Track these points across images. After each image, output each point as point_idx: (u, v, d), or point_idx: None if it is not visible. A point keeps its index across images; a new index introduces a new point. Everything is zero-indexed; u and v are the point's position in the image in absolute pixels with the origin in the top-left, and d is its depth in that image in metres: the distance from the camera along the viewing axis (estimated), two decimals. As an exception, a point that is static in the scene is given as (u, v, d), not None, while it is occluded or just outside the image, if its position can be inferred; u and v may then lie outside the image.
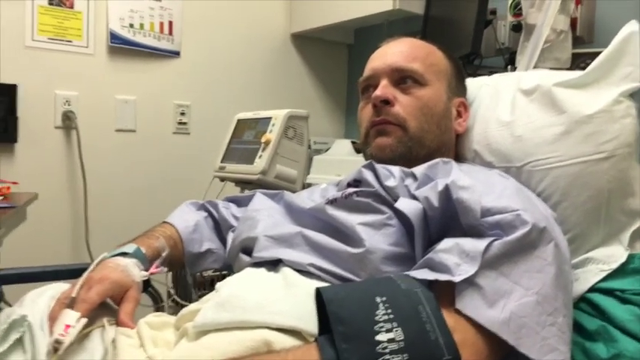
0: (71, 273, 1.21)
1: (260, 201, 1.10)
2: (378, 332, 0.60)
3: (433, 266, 0.73)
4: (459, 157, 1.10)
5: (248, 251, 0.94)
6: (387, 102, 1.02)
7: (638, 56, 0.93)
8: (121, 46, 2.34)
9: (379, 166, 0.93)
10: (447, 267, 0.71)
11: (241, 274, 0.88)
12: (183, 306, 0.85)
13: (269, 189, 1.18)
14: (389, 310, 0.63)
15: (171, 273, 1.78)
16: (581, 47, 1.77)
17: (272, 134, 1.70)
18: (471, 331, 0.67)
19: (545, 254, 0.75)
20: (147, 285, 0.94)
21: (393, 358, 0.59)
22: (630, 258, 0.90)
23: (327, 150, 2.44)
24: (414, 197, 0.84)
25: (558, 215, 0.91)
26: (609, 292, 0.87)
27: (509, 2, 1.86)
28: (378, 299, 0.64)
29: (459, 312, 0.68)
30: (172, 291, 1.76)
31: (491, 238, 0.73)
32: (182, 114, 2.53)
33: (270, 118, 1.76)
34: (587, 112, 0.93)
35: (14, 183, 1.66)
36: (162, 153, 2.47)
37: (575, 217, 0.93)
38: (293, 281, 0.80)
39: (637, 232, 0.93)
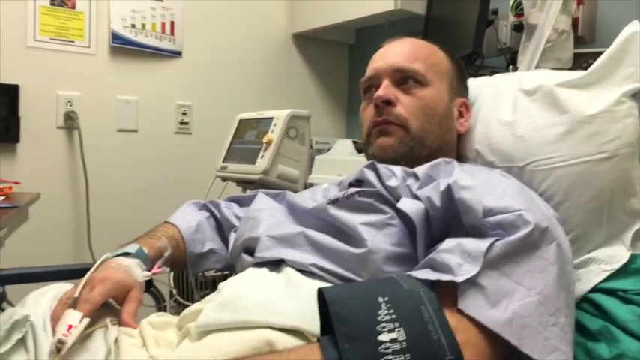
0: (73, 273, 1.21)
1: (262, 201, 1.10)
2: (380, 332, 0.60)
3: (435, 266, 0.73)
4: (461, 157, 1.10)
5: (250, 251, 0.94)
6: (388, 102, 1.02)
7: (640, 56, 0.93)
8: (122, 47, 2.35)
9: (381, 166, 0.94)
10: (449, 267, 0.71)
11: (243, 274, 0.88)
12: (185, 306, 0.85)
13: (271, 189, 1.18)
14: (391, 310, 0.63)
15: (173, 273, 1.79)
16: (583, 47, 1.77)
17: (274, 134, 1.70)
18: (474, 331, 0.67)
19: (547, 254, 0.75)
20: (149, 285, 0.95)
21: (395, 358, 0.58)
22: (632, 258, 0.90)
23: (328, 150, 2.44)
24: (416, 197, 0.84)
25: (560, 215, 0.91)
26: (611, 292, 0.87)
27: (511, 2, 1.86)
28: (381, 299, 0.64)
29: (461, 312, 0.68)
30: (174, 291, 1.77)
31: (494, 238, 0.73)
32: (184, 114, 2.53)
33: (271, 118, 1.76)
34: (589, 112, 0.93)
35: (16, 183, 1.66)
36: (163, 153, 2.47)
37: (577, 217, 0.93)
38: (295, 281, 0.80)
39: (639, 232, 0.93)
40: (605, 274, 0.89)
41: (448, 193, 0.79)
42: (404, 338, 0.60)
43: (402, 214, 0.83)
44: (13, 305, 0.95)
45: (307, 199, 1.02)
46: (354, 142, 2.31)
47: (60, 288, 0.87)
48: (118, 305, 0.86)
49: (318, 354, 0.62)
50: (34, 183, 2.02)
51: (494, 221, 0.75)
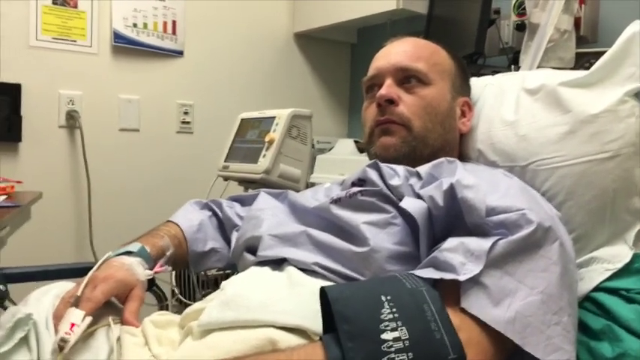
0: (75, 272, 1.21)
1: (264, 200, 1.10)
2: (383, 331, 0.60)
3: (438, 265, 0.73)
4: (463, 157, 1.10)
5: (252, 250, 0.94)
6: (391, 101, 1.02)
7: (643, 56, 0.93)
8: (124, 46, 2.35)
9: (384, 166, 0.94)
10: (452, 266, 0.70)
11: (246, 273, 0.88)
12: (187, 305, 0.85)
13: (273, 188, 1.18)
14: (394, 309, 0.63)
15: (174, 272, 1.79)
16: (585, 47, 1.77)
17: (276, 133, 1.70)
18: (476, 330, 0.67)
19: (550, 253, 0.75)
20: (151, 284, 0.95)
21: (398, 356, 0.58)
22: (635, 257, 0.90)
23: (330, 149, 2.44)
24: (419, 196, 0.84)
25: (563, 215, 0.91)
26: (614, 292, 0.87)
27: (513, 2, 1.86)
28: (383, 298, 0.64)
29: (464, 311, 0.68)
30: (176, 290, 1.77)
31: (496, 237, 0.73)
32: (185, 113, 2.53)
33: (273, 117, 1.76)
34: (591, 112, 0.93)
35: (18, 182, 1.66)
36: (165, 152, 2.48)
37: (580, 216, 0.92)
38: (297, 280, 0.80)
39: (642, 231, 0.93)
40: (608, 274, 0.89)
41: (451, 192, 0.79)
42: (407, 337, 0.60)
43: (404, 213, 0.83)
44: (15, 304, 0.95)
45: (309, 199, 1.02)
46: (356, 142, 2.31)
47: (62, 287, 0.87)
48: (120, 304, 0.86)
49: (320, 353, 0.62)
50: (36, 182, 2.03)
51: (497, 220, 0.75)
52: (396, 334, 0.60)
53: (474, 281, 0.69)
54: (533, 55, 1.67)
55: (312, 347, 0.64)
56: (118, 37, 2.32)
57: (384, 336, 0.60)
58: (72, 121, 2.24)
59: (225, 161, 1.85)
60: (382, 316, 0.62)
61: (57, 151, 2.24)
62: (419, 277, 0.70)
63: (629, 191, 0.92)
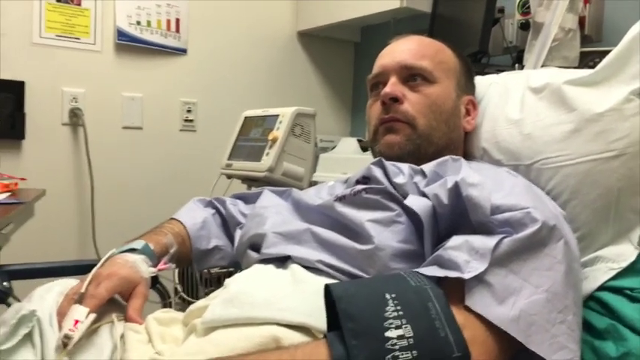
0: (78, 269, 1.21)
1: (268, 198, 1.10)
2: (387, 329, 0.60)
3: (442, 263, 0.72)
4: (468, 155, 1.09)
5: (256, 248, 0.94)
6: (395, 99, 1.02)
7: (648, 55, 0.93)
8: (128, 44, 2.35)
9: (388, 163, 0.93)
10: (456, 264, 0.70)
11: (250, 270, 0.88)
12: (190, 303, 0.85)
13: (276, 186, 1.18)
14: (398, 307, 0.62)
15: (177, 270, 1.79)
16: (590, 46, 1.77)
17: (279, 132, 1.70)
18: (481, 328, 0.66)
19: (554, 252, 0.75)
20: (155, 281, 0.95)
21: (402, 354, 0.58)
22: (640, 256, 0.89)
23: (333, 148, 2.44)
24: (424, 194, 0.84)
25: (567, 213, 0.91)
26: (619, 291, 0.87)
27: (517, 1, 1.86)
28: (388, 296, 0.64)
29: (468, 309, 0.67)
30: (179, 287, 1.77)
31: (501, 236, 0.73)
32: (188, 111, 2.53)
33: (277, 115, 1.76)
34: (597, 110, 0.92)
35: (22, 179, 1.66)
36: (168, 150, 2.48)
37: (585, 215, 0.92)
38: (301, 278, 0.80)
39: (647, 230, 0.93)
40: (613, 273, 0.88)
41: (456, 190, 0.79)
42: (411, 335, 0.60)
43: (409, 211, 0.83)
44: (19, 300, 0.95)
45: (313, 197, 1.02)
46: (359, 141, 2.31)
47: (66, 284, 0.87)
48: (124, 301, 0.86)
49: (325, 350, 0.62)
50: (39, 179, 2.03)
51: (502, 219, 0.75)
52: (400, 331, 0.60)
53: (479, 279, 0.69)
54: (537, 54, 1.67)
55: (316, 345, 0.64)
56: (121, 34, 2.33)
57: (388, 334, 0.60)
58: (75, 118, 2.25)
59: (228, 159, 1.85)
60: (386, 314, 0.62)
61: (60, 148, 2.24)
62: (423, 275, 0.70)
63: (634, 190, 0.91)
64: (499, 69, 1.60)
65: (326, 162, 2.19)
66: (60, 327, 0.76)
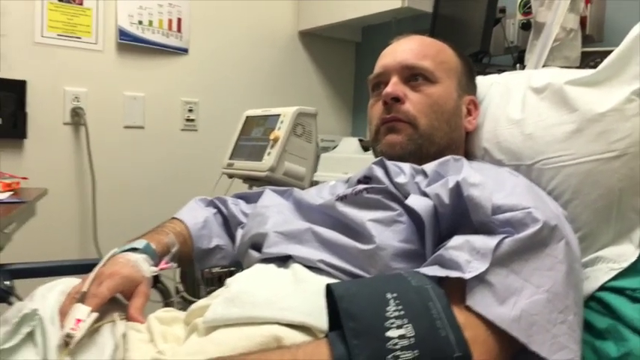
0: (80, 268, 1.22)
1: (269, 198, 1.10)
2: (388, 328, 0.60)
3: (443, 263, 0.72)
4: (469, 155, 1.09)
5: (258, 247, 0.94)
6: (397, 99, 1.02)
7: (650, 55, 0.93)
8: (129, 43, 2.35)
9: (390, 163, 0.93)
10: (457, 264, 0.70)
11: (251, 270, 0.88)
12: (191, 302, 0.86)
13: (277, 186, 1.18)
14: (399, 307, 0.62)
15: (179, 269, 1.79)
16: (591, 46, 1.77)
17: (280, 131, 1.70)
18: (482, 328, 0.66)
19: (556, 252, 0.75)
20: (156, 280, 0.95)
21: (403, 354, 0.58)
22: (641, 257, 0.89)
23: (334, 148, 2.44)
24: (425, 194, 0.84)
25: (569, 214, 0.91)
26: (619, 291, 0.87)
27: (519, 1, 1.86)
28: (389, 295, 0.64)
29: (469, 309, 0.67)
30: (180, 287, 1.77)
31: (502, 236, 0.73)
32: (190, 111, 2.53)
33: (278, 115, 1.76)
34: (598, 111, 0.92)
35: (24, 178, 1.67)
36: (170, 149, 2.48)
37: (586, 215, 0.92)
38: (303, 277, 0.80)
39: (648, 230, 0.93)
40: (614, 273, 0.88)
41: (457, 190, 0.79)
42: (412, 334, 0.60)
43: (410, 211, 0.83)
44: (21, 299, 0.95)
45: (314, 196, 1.02)
46: (360, 140, 2.31)
47: (68, 283, 0.88)
48: (125, 300, 0.87)
49: (326, 350, 0.62)
50: (41, 178, 2.03)
51: (503, 219, 0.75)
52: (401, 331, 0.60)
53: (480, 279, 0.69)
54: (538, 54, 1.67)
55: (317, 344, 0.64)
56: (123, 34, 2.33)
57: (389, 333, 0.60)
58: (77, 117, 2.25)
59: (229, 159, 1.86)
60: (388, 314, 0.62)
61: (62, 147, 2.25)
62: (424, 274, 0.70)
63: (636, 190, 0.91)
64: (500, 69, 1.60)
65: (327, 162, 2.19)
66: (62, 326, 0.76)
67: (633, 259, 0.89)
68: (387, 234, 0.82)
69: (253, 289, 0.77)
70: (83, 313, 0.77)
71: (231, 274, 1.08)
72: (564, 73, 1.03)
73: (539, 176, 0.97)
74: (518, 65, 1.85)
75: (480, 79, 1.18)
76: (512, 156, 1.02)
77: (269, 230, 0.92)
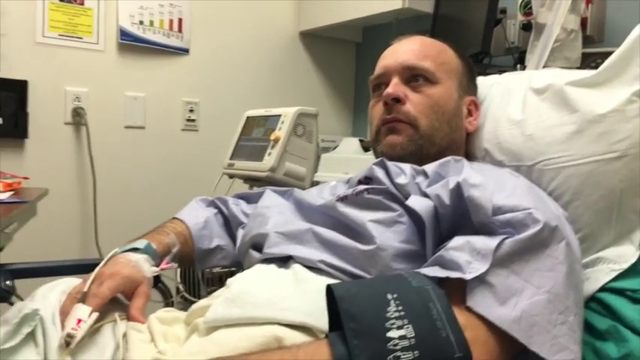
0: (81, 268, 1.22)
1: (270, 198, 1.10)
2: (389, 329, 0.60)
3: (444, 264, 0.72)
4: (470, 156, 1.09)
5: (258, 247, 0.94)
6: (398, 100, 1.02)
7: (651, 56, 0.93)
8: (130, 43, 2.35)
9: (390, 164, 0.93)
10: (458, 265, 0.70)
11: (251, 270, 0.88)
12: (191, 302, 0.86)
13: (278, 186, 1.18)
14: (400, 307, 0.62)
15: (179, 269, 1.79)
16: (592, 47, 1.77)
17: (281, 132, 1.71)
18: (482, 328, 0.67)
19: (556, 253, 0.75)
20: (157, 280, 0.95)
21: (404, 354, 0.58)
22: (641, 258, 0.89)
23: (334, 148, 2.44)
24: (425, 195, 0.84)
25: (569, 214, 0.91)
26: (620, 292, 0.87)
27: (520, 1, 1.86)
28: (390, 296, 0.64)
29: (470, 310, 0.67)
30: (181, 287, 1.77)
31: (503, 236, 0.73)
32: (191, 111, 2.53)
33: (279, 115, 1.76)
34: (599, 112, 0.92)
35: (25, 178, 1.67)
36: (171, 150, 2.48)
37: (587, 216, 0.92)
38: (303, 278, 0.80)
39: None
40: (614, 274, 0.88)
41: (457, 191, 0.79)
42: (412, 335, 0.60)
43: (411, 212, 0.83)
44: (22, 299, 0.95)
45: (315, 197, 1.02)
46: (361, 141, 2.31)
47: (69, 283, 0.88)
48: (126, 300, 0.87)
49: (326, 350, 0.62)
50: (42, 178, 2.03)
51: (504, 219, 0.75)
52: (402, 332, 0.60)
53: (480, 280, 0.69)
54: (539, 54, 1.67)
55: (317, 345, 0.64)
56: (124, 34, 2.33)
57: (390, 334, 0.60)
58: (78, 117, 2.25)
59: (230, 159, 1.86)
60: (388, 314, 0.62)
61: (63, 147, 2.25)
62: (425, 275, 0.70)
63: (636, 191, 0.91)
64: (501, 70, 1.60)
65: (328, 162, 2.19)
66: (63, 326, 0.76)
67: (634, 260, 0.89)
68: (388, 235, 0.82)
69: (254, 289, 0.77)
70: (84, 313, 0.77)
71: (231, 274, 1.08)
72: (565, 74, 1.03)
73: (539, 177, 0.97)
74: (518, 66, 1.85)
75: (481, 80, 1.18)
76: (513, 157, 1.02)
77: (270, 230, 0.92)
